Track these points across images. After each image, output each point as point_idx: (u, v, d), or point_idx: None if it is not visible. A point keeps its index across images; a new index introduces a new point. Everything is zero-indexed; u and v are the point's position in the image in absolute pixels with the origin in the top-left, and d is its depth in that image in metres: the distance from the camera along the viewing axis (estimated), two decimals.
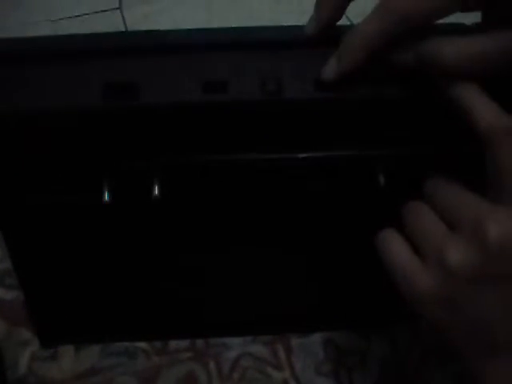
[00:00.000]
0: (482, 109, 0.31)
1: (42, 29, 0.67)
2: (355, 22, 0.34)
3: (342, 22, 0.34)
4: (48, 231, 0.41)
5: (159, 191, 0.36)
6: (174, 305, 0.46)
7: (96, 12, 0.72)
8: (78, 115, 0.34)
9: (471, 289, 0.29)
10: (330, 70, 0.34)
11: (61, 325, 0.46)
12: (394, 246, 0.32)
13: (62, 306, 0.46)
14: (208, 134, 0.35)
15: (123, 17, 0.72)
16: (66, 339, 0.47)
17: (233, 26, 0.36)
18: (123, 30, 0.62)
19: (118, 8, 0.72)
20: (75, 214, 0.39)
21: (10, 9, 0.72)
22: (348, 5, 0.34)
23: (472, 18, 0.34)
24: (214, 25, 0.40)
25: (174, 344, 0.46)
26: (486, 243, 0.28)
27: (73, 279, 0.44)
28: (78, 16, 0.71)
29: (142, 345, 0.46)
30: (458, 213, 0.31)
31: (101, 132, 0.35)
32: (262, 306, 0.46)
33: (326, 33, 0.35)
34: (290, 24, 0.36)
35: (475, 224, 0.29)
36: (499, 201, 0.30)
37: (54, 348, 0.47)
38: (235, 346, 0.46)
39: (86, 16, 0.71)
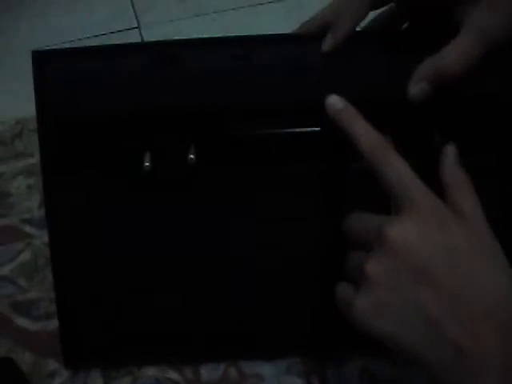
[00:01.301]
0: (362, 133, 0.37)
1: None
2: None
3: None
4: (92, 216, 0.43)
5: (195, 155, 0.41)
6: (201, 325, 0.45)
7: (112, 32, 0.72)
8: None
9: (393, 292, 0.33)
10: (326, 43, 0.41)
11: (88, 346, 0.46)
12: (340, 287, 0.37)
13: (90, 325, 0.45)
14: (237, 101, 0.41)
15: (142, 36, 0.71)
16: (91, 362, 0.46)
17: None
18: None
19: (136, 27, 0.72)
20: (118, 193, 0.42)
21: (31, 29, 0.72)
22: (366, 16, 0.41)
23: None
24: None
25: (205, 375, 0.45)
26: (389, 244, 0.33)
27: (105, 290, 0.44)
28: (96, 36, 0.70)
29: (174, 376, 0.45)
30: (368, 236, 0.35)
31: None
32: (298, 325, 0.45)
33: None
34: None
35: (378, 235, 0.34)
36: (396, 210, 0.35)
37: (79, 371, 0.46)
38: (269, 377, 0.45)
39: (104, 36, 0.71)
